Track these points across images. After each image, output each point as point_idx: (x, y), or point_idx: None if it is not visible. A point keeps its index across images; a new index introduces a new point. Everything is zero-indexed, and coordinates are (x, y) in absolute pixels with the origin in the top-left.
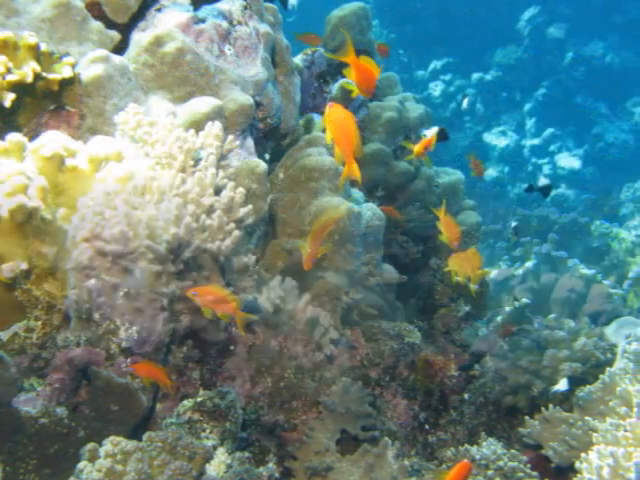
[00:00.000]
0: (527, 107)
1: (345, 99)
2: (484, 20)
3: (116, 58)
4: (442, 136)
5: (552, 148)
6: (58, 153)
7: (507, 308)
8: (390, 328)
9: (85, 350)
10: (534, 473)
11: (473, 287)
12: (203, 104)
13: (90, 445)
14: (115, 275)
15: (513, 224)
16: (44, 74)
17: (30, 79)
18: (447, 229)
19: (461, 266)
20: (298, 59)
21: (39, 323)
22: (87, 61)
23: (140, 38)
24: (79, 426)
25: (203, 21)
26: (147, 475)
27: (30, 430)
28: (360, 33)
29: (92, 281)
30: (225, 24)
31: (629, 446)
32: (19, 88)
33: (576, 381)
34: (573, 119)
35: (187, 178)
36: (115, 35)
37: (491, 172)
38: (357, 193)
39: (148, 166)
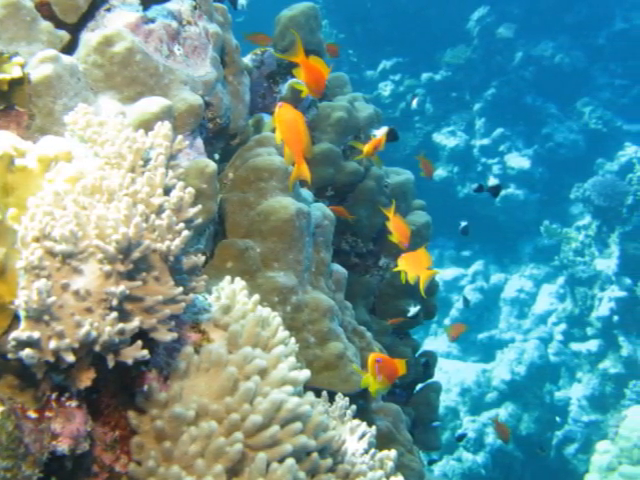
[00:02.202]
0: (477, 107)
1: (295, 99)
2: (433, 20)
3: (65, 58)
4: (392, 136)
5: (502, 148)
6: (7, 153)
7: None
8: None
9: None
10: None
11: (422, 287)
12: (152, 104)
13: None
14: (65, 275)
15: (462, 223)
16: None
17: None
18: (397, 229)
19: (411, 266)
20: (247, 59)
21: None
22: (36, 61)
23: (89, 38)
24: None
25: (152, 21)
26: None
27: None
28: (310, 33)
29: (42, 281)
30: (175, 24)
31: None
32: None
33: None
34: (523, 119)
35: (137, 178)
36: (64, 35)
37: (440, 172)
38: (307, 193)
39: (97, 166)
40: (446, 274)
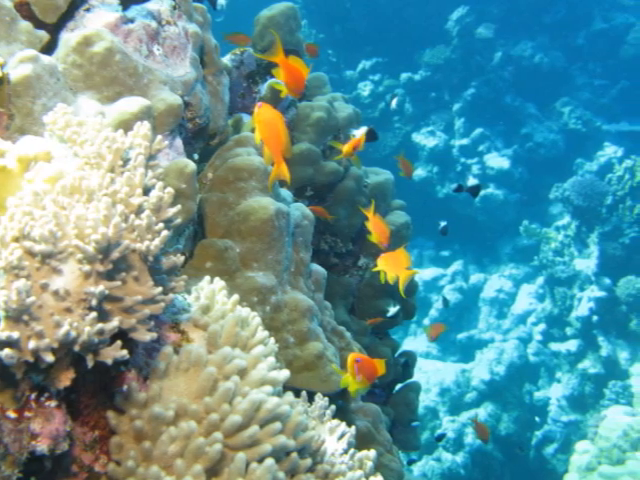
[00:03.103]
0: (456, 107)
1: (274, 99)
2: (413, 20)
3: (45, 58)
4: (371, 136)
5: (481, 148)
6: None
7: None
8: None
9: None
10: None
11: (402, 287)
12: (132, 104)
13: None
14: (44, 275)
15: (442, 223)
16: None
17: None
18: (376, 229)
19: (390, 266)
20: (227, 59)
21: None
22: (16, 61)
23: (69, 38)
24: None
25: (132, 21)
26: None
27: None
28: (289, 33)
29: (21, 281)
30: (154, 24)
31: None
32: None
33: None
34: (502, 119)
35: (116, 178)
36: (44, 35)
37: (420, 172)
38: (286, 193)
39: (77, 166)
40: (425, 274)
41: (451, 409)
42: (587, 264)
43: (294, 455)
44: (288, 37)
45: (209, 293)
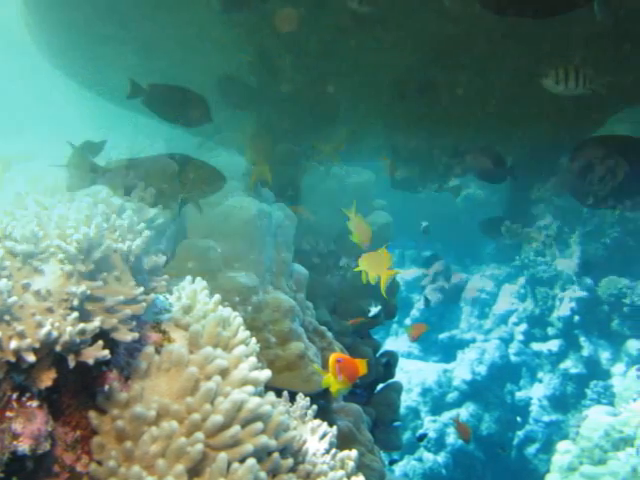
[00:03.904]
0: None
1: None
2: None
3: None
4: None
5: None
6: None
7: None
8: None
9: None
10: None
11: (383, 287)
12: None
13: None
14: (26, 275)
15: (423, 224)
16: None
17: None
18: (357, 229)
19: (372, 266)
20: None
21: None
22: None
23: None
24: None
25: None
26: None
27: None
28: None
29: (3, 281)
30: None
31: None
32: None
33: None
34: None
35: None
36: None
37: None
38: (268, 193)
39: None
40: (407, 274)
41: (433, 409)
42: (569, 264)
43: (276, 455)
44: None
45: (191, 293)
